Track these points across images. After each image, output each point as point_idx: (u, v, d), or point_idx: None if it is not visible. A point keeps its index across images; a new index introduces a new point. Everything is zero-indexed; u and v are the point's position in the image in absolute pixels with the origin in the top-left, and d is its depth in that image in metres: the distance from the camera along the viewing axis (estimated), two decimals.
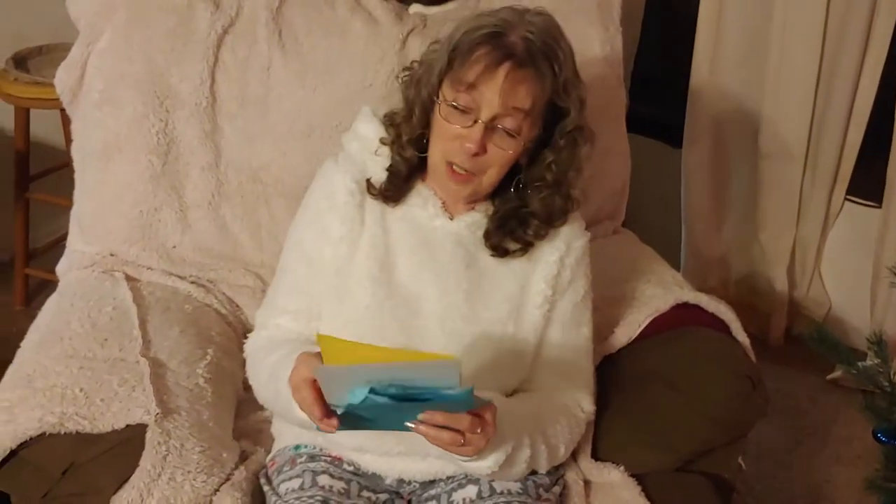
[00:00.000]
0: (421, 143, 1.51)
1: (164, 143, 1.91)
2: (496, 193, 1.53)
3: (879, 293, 2.78)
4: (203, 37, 1.93)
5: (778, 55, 2.79)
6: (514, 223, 1.52)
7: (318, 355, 1.30)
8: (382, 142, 1.54)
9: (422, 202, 1.54)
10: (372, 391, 1.22)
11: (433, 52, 1.49)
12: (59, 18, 2.14)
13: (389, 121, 1.55)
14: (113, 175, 1.91)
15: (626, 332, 1.75)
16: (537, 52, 1.39)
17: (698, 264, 3.10)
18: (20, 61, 2.76)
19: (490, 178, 1.46)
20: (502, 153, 1.43)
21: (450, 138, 1.44)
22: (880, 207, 2.79)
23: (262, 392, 1.56)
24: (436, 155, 1.48)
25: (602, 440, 1.66)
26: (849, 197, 2.91)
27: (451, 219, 1.54)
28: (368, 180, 1.53)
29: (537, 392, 1.56)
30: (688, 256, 3.13)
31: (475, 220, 1.54)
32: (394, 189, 1.53)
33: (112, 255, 1.91)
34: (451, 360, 1.22)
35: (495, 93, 1.38)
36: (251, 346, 1.61)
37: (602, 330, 1.73)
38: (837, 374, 2.79)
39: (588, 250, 1.60)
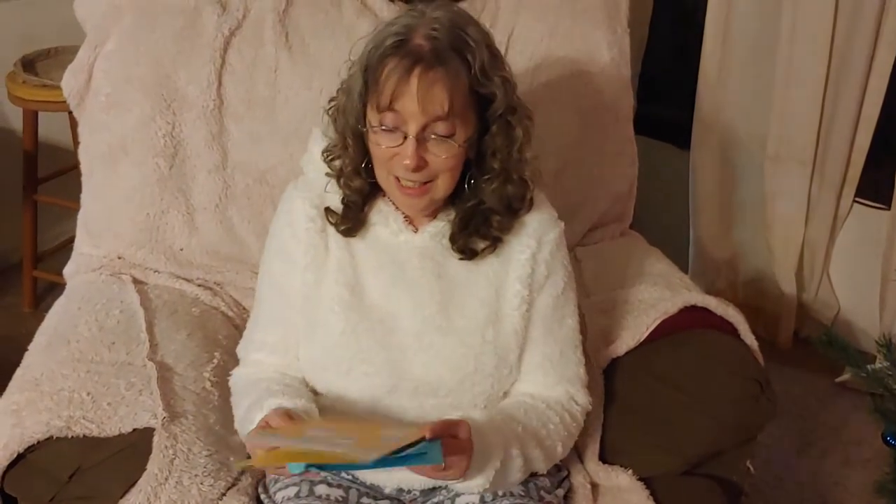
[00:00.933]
0: (367, 169, 1.47)
1: (171, 145, 1.91)
2: (455, 196, 1.48)
3: (888, 295, 2.77)
4: (210, 39, 1.93)
5: (786, 56, 2.78)
6: (477, 221, 1.48)
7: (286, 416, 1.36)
8: (328, 175, 1.51)
9: (383, 220, 1.50)
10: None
11: (350, 75, 1.44)
12: (66, 21, 2.15)
13: (328, 156, 1.51)
14: (120, 178, 1.91)
15: (633, 334, 1.74)
16: (444, 48, 1.35)
17: (706, 267, 3.09)
18: (28, 64, 2.77)
19: (444, 183, 1.43)
20: (444, 159, 1.39)
21: (387, 159, 1.40)
22: (889, 209, 2.77)
23: (239, 428, 1.54)
24: (382, 176, 1.44)
25: (610, 443, 1.66)
26: (857, 199, 2.90)
27: (416, 231, 1.51)
28: (327, 209, 1.51)
29: (526, 394, 1.54)
30: (695, 259, 3.12)
31: (439, 229, 1.50)
32: (351, 221, 1.50)
33: (119, 257, 1.91)
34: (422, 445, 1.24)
35: (414, 103, 1.34)
36: (234, 384, 1.59)
37: (609, 332, 1.72)
38: (846, 376, 2.78)
39: (562, 241, 1.55)
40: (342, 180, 1.49)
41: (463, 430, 1.33)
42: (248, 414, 1.47)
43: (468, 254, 1.49)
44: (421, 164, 1.38)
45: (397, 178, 1.42)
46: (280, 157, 1.94)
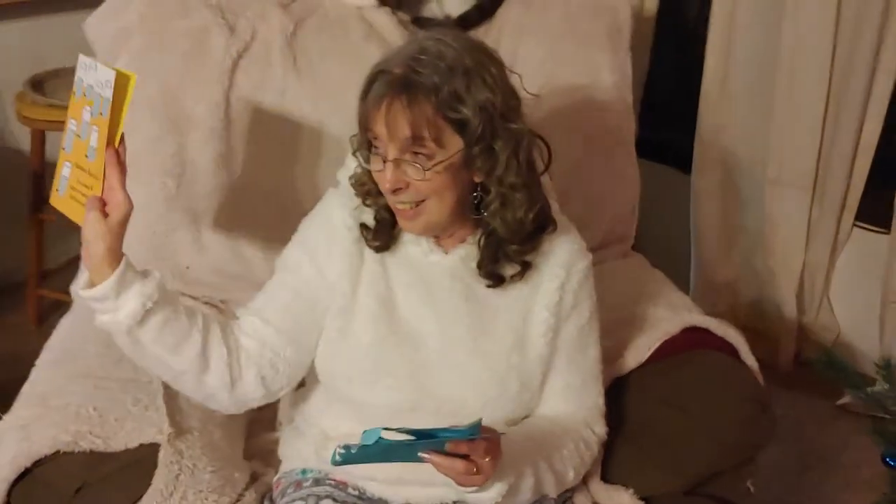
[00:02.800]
0: None
1: (179, 165, 1.92)
2: (477, 222, 1.49)
3: (888, 318, 2.78)
4: (218, 61, 1.95)
5: (786, 82, 2.81)
6: (493, 248, 1.48)
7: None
8: (357, 196, 1.53)
9: (415, 239, 1.51)
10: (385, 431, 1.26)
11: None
12: (76, 42, 2.17)
13: (355, 181, 1.53)
14: None
15: (635, 355, 1.76)
16: (413, 76, 1.36)
17: (707, 289, 3.10)
18: (37, 84, 2.80)
19: (435, 206, 1.42)
20: (423, 182, 1.39)
21: (380, 182, 1.44)
22: (889, 233, 2.79)
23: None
24: (385, 198, 1.47)
25: (611, 463, 1.67)
26: (857, 223, 2.91)
27: (446, 253, 1.52)
28: (363, 224, 1.52)
29: (544, 418, 1.56)
30: (697, 281, 3.14)
31: (468, 252, 1.51)
32: (382, 238, 1.51)
33: None
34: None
35: (384, 129, 1.38)
36: None
37: (611, 353, 1.73)
38: (846, 399, 2.78)
39: (590, 272, 1.57)
40: (371, 202, 1.51)
41: (495, 434, 1.35)
42: None
43: (496, 280, 1.50)
44: (400, 186, 1.40)
45: (392, 204, 1.45)
46: (287, 178, 1.95)
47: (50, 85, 2.82)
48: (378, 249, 1.51)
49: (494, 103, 1.40)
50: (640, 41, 2.64)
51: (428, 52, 1.38)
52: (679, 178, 3.09)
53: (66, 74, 2.84)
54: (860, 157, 2.78)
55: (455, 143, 1.39)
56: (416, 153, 1.38)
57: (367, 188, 1.50)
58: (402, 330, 1.50)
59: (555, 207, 1.55)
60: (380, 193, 1.48)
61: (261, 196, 1.96)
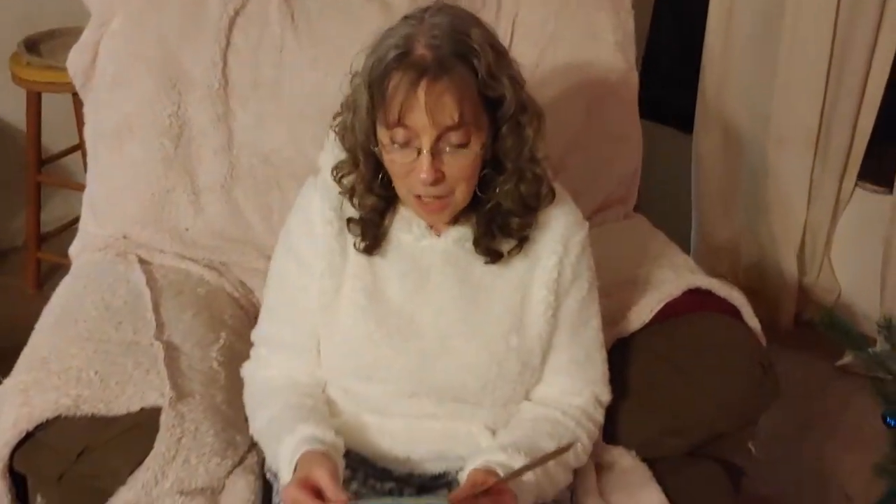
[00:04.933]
0: (382, 183, 1.43)
1: (177, 125, 1.91)
2: (473, 199, 1.43)
3: (889, 278, 2.78)
4: (215, 19, 1.93)
5: (790, 41, 2.78)
6: (497, 223, 1.45)
7: (320, 458, 1.33)
8: (342, 195, 1.47)
9: (406, 226, 1.47)
10: None
11: (354, 89, 1.39)
12: (70, 2, 2.15)
13: (338, 173, 1.46)
14: (125, 157, 1.92)
15: (638, 316, 1.75)
16: (448, 56, 1.30)
17: (709, 250, 3.10)
18: (32, 45, 2.77)
19: (462, 192, 1.39)
20: (461, 168, 1.35)
21: (405, 175, 1.37)
22: (891, 193, 2.78)
23: (256, 434, 1.53)
24: (402, 191, 1.41)
25: (614, 424, 1.67)
26: (859, 183, 2.90)
27: (438, 236, 1.47)
28: (350, 220, 1.47)
29: (551, 406, 1.51)
30: (698, 242, 3.13)
31: (462, 234, 1.47)
32: (370, 238, 1.46)
33: (125, 237, 1.91)
34: None
35: (423, 116, 1.30)
36: (251, 383, 1.57)
37: (614, 314, 1.73)
38: (847, 359, 2.79)
39: (588, 242, 1.53)
40: (355, 199, 1.45)
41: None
42: (274, 429, 1.45)
43: (494, 256, 1.46)
44: (439, 177, 1.34)
45: (418, 197, 1.39)
46: (285, 138, 1.94)
47: (46, 46, 2.78)
48: (367, 250, 1.47)
49: (517, 77, 1.38)
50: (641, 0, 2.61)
51: (441, 28, 1.32)
52: (680, 139, 3.08)
53: (61, 35, 2.81)
54: (863, 115, 2.77)
55: (486, 122, 1.36)
56: (454, 140, 1.33)
57: (351, 184, 1.45)
58: (392, 322, 1.47)
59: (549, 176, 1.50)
60: (367, 191, 1.43)
61: (260, 157, 1.94)
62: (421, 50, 1.31)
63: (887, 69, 2.69)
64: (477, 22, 1.38)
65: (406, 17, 1.37)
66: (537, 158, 1.42)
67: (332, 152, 1.49)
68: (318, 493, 1.28)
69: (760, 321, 1.82)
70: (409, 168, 1.36)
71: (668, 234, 2.13)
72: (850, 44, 2.70)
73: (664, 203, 2.68)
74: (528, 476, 1.36)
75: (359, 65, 1.38)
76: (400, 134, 1.33)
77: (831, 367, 2.83)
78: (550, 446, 1.42)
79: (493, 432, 1.49)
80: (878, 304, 2.83)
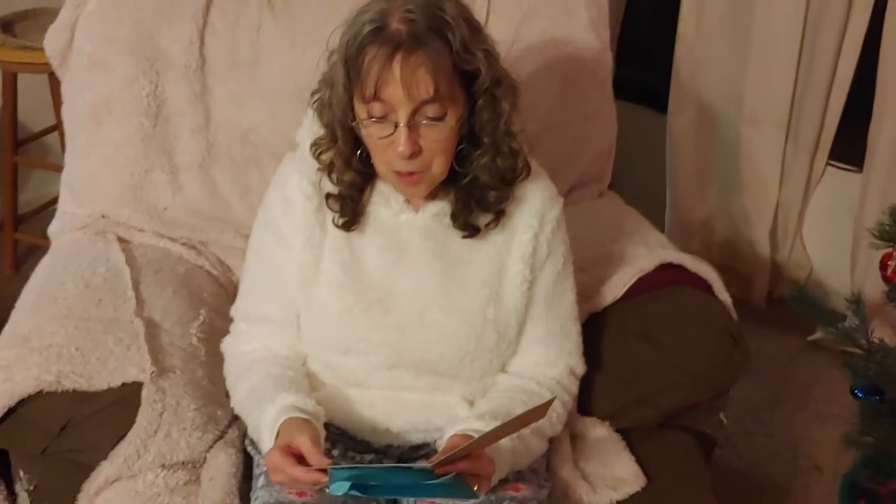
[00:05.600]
0: (361, 159, 1.44)
1: (155, 105, 1.91)
2: (451, 173, 1.45)
3: (859, 256, 2.82)
4: None
5: (762, 21, 2.80)
6: (475, 197, 1.47)
7: (302, 425, 1.34)
8: (320, 171, 1.48)
9: (384, 200, 1.48)
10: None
11: (331, 66, 1.40)
12: None
13: (317, 150, 1.47)
14: (104, 137, 1.92)
15: (611, 291, 1.78)
16: (423, 29, 1.31)
17: (682, 228, 3.13)
18: (7, 26, 2.76)
19: (439, 166, 1.40)
20: (437, 142, 1.37)
21: (382, 149, 1.38)
22: (861, 172, 2.82)
23: (237, 406, 1.55)
24: (380, 166, 1.42)
25: (588, 396, 1.70)
26: (831, 161, 2.93)
27: (416, 211, 1.49)
28: (329, 195, 1.48)
29: (527, 377, 1.54)
30: (672, 220, 3.16)
31: (440, 209, 1.48)
32: (349, 213, 1.47)
33: (103, 216, 1.92)
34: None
35: (399, 90, 1.31)
36: (231, 356, 1.59)
37: (587, 289, 1.76)
38: (818, 335, 2.83)
39: (563, 218, 1.55)
40: (333, 175, 1.47)
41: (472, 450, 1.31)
42: (254, 399, 1.47)
43: (471, 230, 1.48)
44: (416, 150, 1.36)
45: (397, 172, 1.40)
46: (263, 116, 1.94)
47: (20, 26, 2.77)
48: (346, 226, 1.48)
49: (491, 50, 1.40)
50: None
51: (415, 3, 1.33)
52: (655, 118, 3.10)
53: (35, 15, 2.80)
54: (834, 94, 2.79)
55: (461, 96, 1.38)
56: (430, 113, 1.34)
57: (329, 160, 1.46)
58: (370, 295, 1.49)
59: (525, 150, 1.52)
60: (346, 166, 1.44)
61: (238, 135, 1.95)
62: (396, 24, 1.32)
63: (858, 49, 2.72)
64: None
65: None
66: (513, 132, 1.43)
67: (310, 128, 1.50)
68: (299, 458, 1.30)
69: (734, 298, 1.85)
70: (386, 142, 1.37)
71: (643, 212, 2.16)
72: (822, 24, 2.73)
73: (638, 182, 2.70)
74: (505, 443, 1.38)
75: (335, 42, 1.39)
76: (376, 108, 1.35)
77: (803, 342, 2.88)
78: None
79: (471, 404, 1.52)
80: (849, 280, 2.88)
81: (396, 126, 1.35)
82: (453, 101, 1.36)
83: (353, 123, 1.40)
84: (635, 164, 2.76)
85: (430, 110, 1.34)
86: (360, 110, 1.37)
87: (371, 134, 1.38)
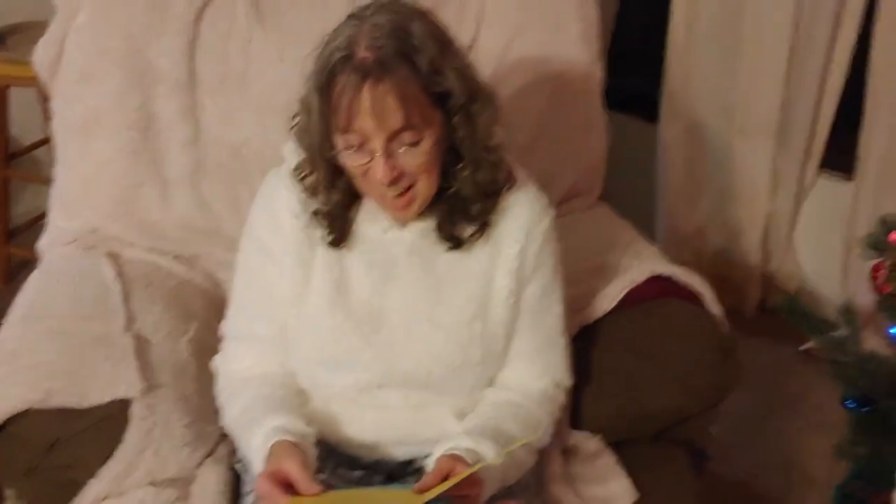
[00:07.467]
0: (344, 179, 1.43)
1: (145, 118, 1.91)
2: (437, 190, 1.43)
3: (850, 265, 2.82)
4: (182, 12, 1.93)
5: (752, 32, 2.81)
6: (460, 207, 1.45)
7: (290, 449, 1.34)
8: (304, 193, 1.46)
9: (371, 217, 1.47)
10: None
11: (308, 92, 1.38)
12: None
13: (300, 173, 1.45)
14: (94, 151, 1.92)
15: (602, 304, 1.78)
16: (389, 56, 1.29)
17: (674, 238, 3.13)
18: None
19: (425, 184, 1.38)
20: (417, 165, 1.35)
21: (363, 175, 1.37)
22: (852, 181, 2.82)
23: (228, 426, 1.53)
24: (364, 190, 1.42)
25: (579, 410, 1.70)
26: (822, 171, 2.94)
27: (404, 227, 1.48)
28: (316, 212, 1.46)
29: (512, 389, 1.53)
30: (663, 230, 3.16)
31: (427, 225, 1.47)
32: (337, 231, 1.46)
33: (94, 230, 1.91)
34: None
35: (370, 120, 1.29)
36: (223, 376, 1.57)
37: (579, 301, 1.76)
38: (809, 344, 2.81)
39: (553, 230, 1.53)
40: (320, 197, 1.45)
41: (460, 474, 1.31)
42: (245, 420, 1.46)
43: (455, 242, 1.47)
44: (396, 176, 1.35)
45: (384, 199, 1.40)
46: (253, 130, 1.94)
47: (12, 40, 2.76)
48: (335, 244, 1.47)
49: (466, 66, 1.38)
50: None
51: (382, 28, 1.31)
52: (646, 128, 3.11)
53: (25, 29, 2.79)
54: (825, 103, 2.80)
55: (437, 116, 1.36)
56: (406, 139, 1.33)
57: (313, 183, 1.44)
58: (359, 313, 1.48)
59: (509, 160, 1.51)
60: (331, 187, 1.43)
61: (228, 149, 1.95)
62: (363, 53, 1.30)
63: (848, 58, 2.73)
64: (420, 16, 1.37)
65: (350, 17, 1.36)
66: (491, 146, 1.42)
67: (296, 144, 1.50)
68: (288, 484, 1.29)
69: (725, 308, 1.85)
70: (365, 169, 1.36)
71: (634, 222, 2.16)
72: (812, 35, 2.74)
73: (630, 192, 2.70)
74: (494, 461, 1.36)
75: (310, 68, 1.37)
76: (353, 139, 1.33)
77: (794, 351, 2.86)
78: (514, 429, 1.45)
79: (460, 417, 1.51)
80: (840, 289, 2.88)
81: (373, 155, 1.33)
82: (428, 124, 1.34)
83: (333, 153, 1.38)
84: (626, 174, 2.76)
85: (406, 137, 1.33)
86: (338, 140, 1.36)
87: (349, 162, 1.37)
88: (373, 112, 1.29)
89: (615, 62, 3.04)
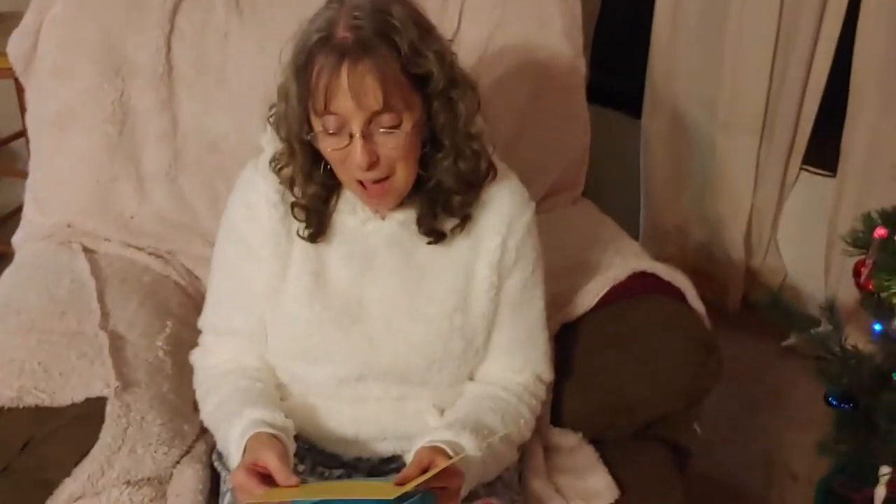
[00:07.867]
0: (325, 170, 1.42)
1: (121, 112, 1.89)
2: (417, 181, 1.42)
3: (833, 261, 2.83)
4: (158, 4, 1.91)
5: (736, 27, 2.81)
6: (441, 200, 1.44)
7: (268, 441, 1.32)
8: (282, 184, 1.45)
9: (350, 208, 1.46)
10: None
11: (285, 78, 1.37)
12: None
13: (277, 165, 1.44)
14: (69, 145, 1.89)
15: (584, 301, 1.76)
16: (369, 36, 1.28)
17: (657, 234, 3.13)
18: None
19: (403, 172, 1.37)
20: (395, 149, 1.33)
21: (341, 161, 1.35)
22: (835, 177, 2.83)
23: (206, 419, 1.52)
24: (344, 180, 1.40)
25: (561, 407, 1.68)
26: (804, 167, 2.95)
27: (383, 219, 1.47)
28: (294, 204, 1.44)
29: (493, 383, 1.53)
30: (646, 226, 3.16)
31: (407, 216, 1.46)
32: (315, 225, 1.45)
33: (69, 225, 1.89)
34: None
35: (349, 100, 1.28)
36: (200, 369, 1.56)
37: (561, 298, 1.75)
38: (792, 340, 2.84)
39: (533, 223, 1.51)
40: (295, 189, 1.44)
41: (441, 466, 1.28)
42: (223, 413, 1.44)
43: (436, 236, 1.46)
44: (374, 161, 1.33)
45: (360, 182, 1.38)
46: (232, 124, 1.92)
47: None
48: (312, 238, 1.46)
49: (446, 50, 1.37)
50: None
51: (363, 9, 1.30)
52: (629, 123, 3.10)
53: (3, 20, 2.75)
54: (808, 99, 2.80)
55: (417, 100, 1.34)
56: (385, 122, 1.31)
57: (290, 175, 1.43)
58: (337, 304, 1.47)
59: (491, 152, 1.49)
60: (308, 179, 1.42)
61: (205, 143, 1.92)
62: (342, 32, 1.29)
63: (831, 54, 2.73)
64: (401, 0, 1.36)
65: (330, 1, 1.35)
66: (473, 133, 1.41)
67: (274, 135, 1.48)
68: (266, 476, 1.28)
69: (708, 303, 1.84)
70: (343, 154, 1.34)
71: (617, 217, 2.15)
72: (795, 31, 2.74)
73: (612, 186, 2.70)
74: (474, 453, 1.36)
75: (287, 54, 1.36)
76: (331, 121, 1.32)
77: (777, 347, 2.88)
78: (494, 421, 1.44)
79: (441, 411, 1.50)
80: (823, 285, 2.89)
81: (352, 137, 1.32)
82: (408, 106, 1.33)
83: (310, 136, 1.36)
84: (609, 169, 2.76)
85: (385, 119, 1.31)
86: (316, 123, 1.35)
87: (327, 146, 1.35)
88: (351, 92, 1.28)
89: (598, 57, 3.05)
